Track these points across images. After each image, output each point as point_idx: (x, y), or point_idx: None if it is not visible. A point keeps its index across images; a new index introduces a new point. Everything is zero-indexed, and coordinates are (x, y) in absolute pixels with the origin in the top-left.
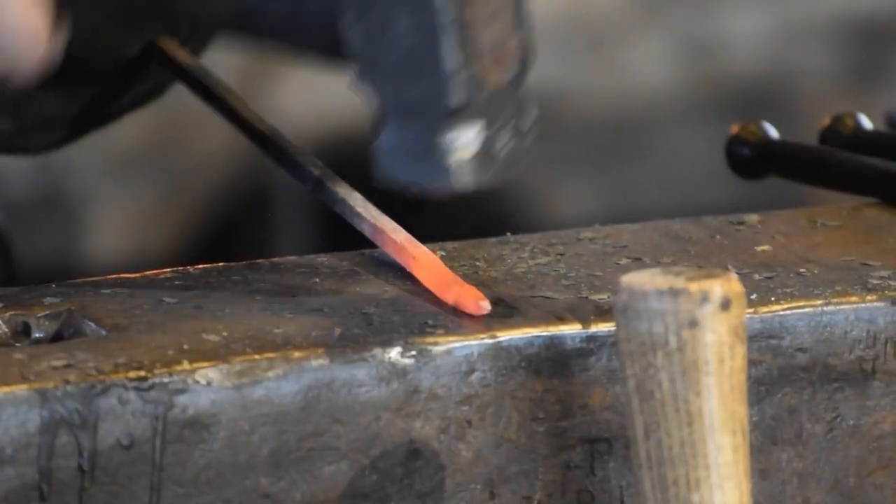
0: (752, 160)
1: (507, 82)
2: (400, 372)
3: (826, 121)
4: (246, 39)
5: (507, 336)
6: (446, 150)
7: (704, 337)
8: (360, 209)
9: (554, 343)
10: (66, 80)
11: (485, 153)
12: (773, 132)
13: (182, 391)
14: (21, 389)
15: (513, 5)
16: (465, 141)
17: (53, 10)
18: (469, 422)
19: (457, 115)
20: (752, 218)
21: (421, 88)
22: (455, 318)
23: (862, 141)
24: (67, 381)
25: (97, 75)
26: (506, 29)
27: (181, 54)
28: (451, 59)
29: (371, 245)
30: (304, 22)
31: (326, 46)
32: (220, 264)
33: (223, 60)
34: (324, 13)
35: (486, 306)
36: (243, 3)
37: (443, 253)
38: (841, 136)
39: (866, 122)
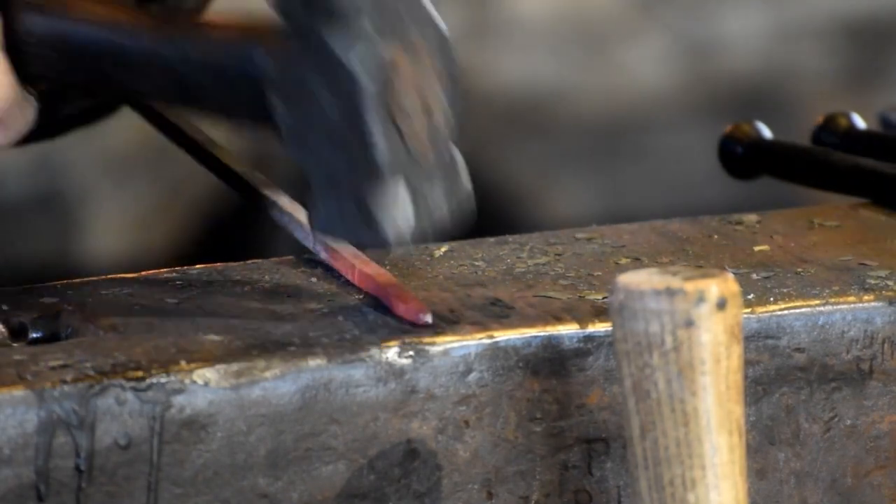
0: (745, 160)
1: (435, 145)
2: (397, 372)
3: (819, 120)
4: (182, 108)
5: (505, 336)
6: (377, 212)
7: (700, 337)
8: (304, 224)
9: (551, 343)
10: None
11: (417, 212)
12: (767, 132)
13: (179, 391)
14: (18, 389)
15: (437, 74)
16: (392, 203)
17: (20, 83)
18: (466, 422)
19: (384, 180)
20: (750, 218)
21: (346, 157)
22: (453, 319)
23: (855, 140)
24: (65, 382)
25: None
26: (431, 95)
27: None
28: (375, 132)
29: None
30: (235, 94)
31: (257, 116)
32: (220, 264)
33: None
34: (251, 88)
35: (426, 318)
36: (179, 77)
37: (442, 252)
38: (834, 135)
39: (859, 122)
